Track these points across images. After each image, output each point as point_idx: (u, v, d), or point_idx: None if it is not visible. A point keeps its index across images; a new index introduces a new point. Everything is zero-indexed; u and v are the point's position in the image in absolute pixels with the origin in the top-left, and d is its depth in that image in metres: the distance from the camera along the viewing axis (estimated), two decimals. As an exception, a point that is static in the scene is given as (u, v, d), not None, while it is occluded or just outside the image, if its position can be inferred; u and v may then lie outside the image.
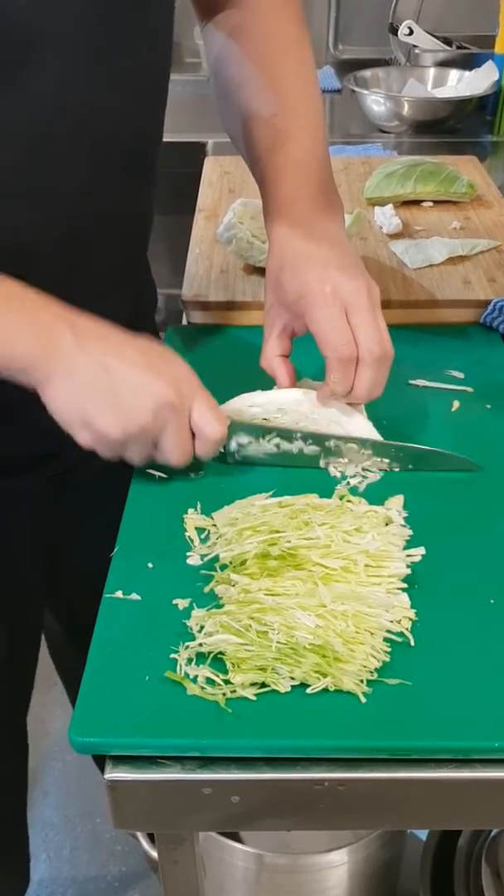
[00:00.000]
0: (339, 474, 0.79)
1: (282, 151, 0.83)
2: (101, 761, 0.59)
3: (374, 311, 0.76)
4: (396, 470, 0.80)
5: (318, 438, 0.79)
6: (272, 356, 0.82)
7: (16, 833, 1.16)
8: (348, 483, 0.78)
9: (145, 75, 0.79)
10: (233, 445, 0.79)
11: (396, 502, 0.75)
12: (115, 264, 0.84)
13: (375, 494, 0.76)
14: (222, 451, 0.79)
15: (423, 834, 1.24)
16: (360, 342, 0.75)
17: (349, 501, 0.74)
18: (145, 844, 1.42)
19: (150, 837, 1.38)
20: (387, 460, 0.79)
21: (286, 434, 0.80)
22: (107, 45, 0.72)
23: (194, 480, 0.79)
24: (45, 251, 0.74)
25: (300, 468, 0.80)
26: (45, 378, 0.67)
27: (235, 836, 1.17)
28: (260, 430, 0.79)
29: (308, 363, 0.82)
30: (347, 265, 0.77)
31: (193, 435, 0.73)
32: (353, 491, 0.77)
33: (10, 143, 0.70)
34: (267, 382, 0.84)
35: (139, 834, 1.41)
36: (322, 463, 0.80)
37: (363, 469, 0.79)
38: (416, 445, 0.80)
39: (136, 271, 0.92)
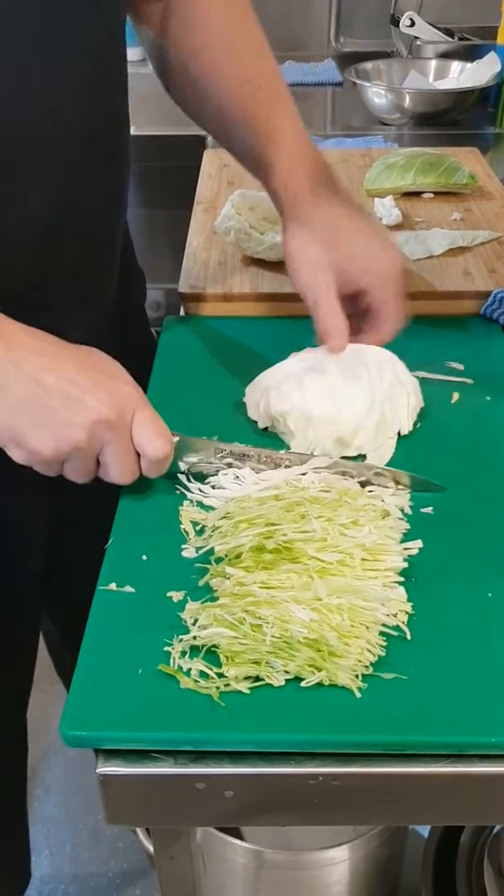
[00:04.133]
0: None
1: (274, 120, 0.85)
2: (101, 756, 0.58)
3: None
4: (354, 480, 0.75)
5: (274, 459, 0.76)
6: (334, 314, 0.79)
7: (16, 829, 1.16)
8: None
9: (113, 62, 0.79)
10: (181, 466, 0.75)
11: (399, 500, 0.74)
12: (89, 250, 0.83)
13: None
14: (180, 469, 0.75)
15: (424, 830, 1.23)
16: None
17: (346, 494, 0.73)
18: (144, 840, 1.41)
19: (150, 833, 1.38)
20: (341, 476, 0.75)
21: (239, 454, 0.76)
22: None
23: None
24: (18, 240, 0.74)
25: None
26: None
27: (235, 833, 1.17)
28: (210, 449, 0.75)
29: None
30: (390, 242, 0.85)
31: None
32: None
33: None
34: (264, 369, 0.84)
35: (139, 830, 1.41)
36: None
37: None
38: (377, 466, 0.76)
39: (112, 254, 0.91)
